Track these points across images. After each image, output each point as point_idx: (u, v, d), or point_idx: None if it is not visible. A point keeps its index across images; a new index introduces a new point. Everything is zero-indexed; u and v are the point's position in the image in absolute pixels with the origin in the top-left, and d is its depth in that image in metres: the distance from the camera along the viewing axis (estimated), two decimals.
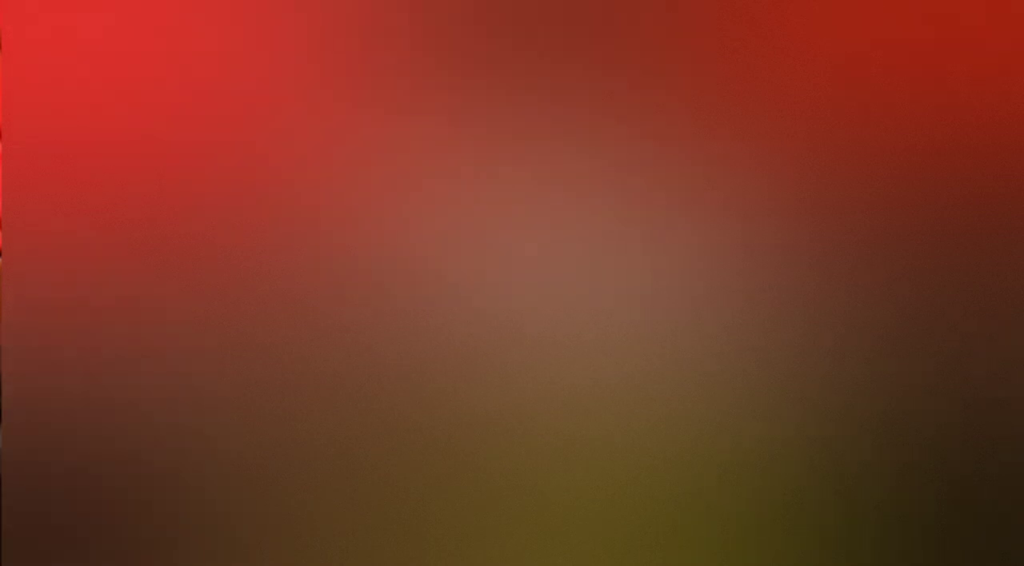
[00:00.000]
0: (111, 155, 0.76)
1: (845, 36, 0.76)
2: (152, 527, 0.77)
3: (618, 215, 0.76)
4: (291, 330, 0.77)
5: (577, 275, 0.76)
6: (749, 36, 0.76)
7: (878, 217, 0.77)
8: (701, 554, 0.77)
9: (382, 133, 0.77)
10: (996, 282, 0.77)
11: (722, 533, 0.77)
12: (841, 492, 0.77)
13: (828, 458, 0.77)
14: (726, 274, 0.76)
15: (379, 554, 0.78)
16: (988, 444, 0.77)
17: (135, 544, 0.77)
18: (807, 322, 0.77)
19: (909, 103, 0.77)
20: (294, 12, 0.76)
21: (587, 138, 0.76)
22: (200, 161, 0.76)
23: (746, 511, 0.77)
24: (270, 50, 0.76)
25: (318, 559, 0.78)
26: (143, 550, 0.77)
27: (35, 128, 0.76)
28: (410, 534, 0.77)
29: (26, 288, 0.76)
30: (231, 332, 0.76)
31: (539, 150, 0.76)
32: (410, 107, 0.77)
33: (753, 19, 0.76)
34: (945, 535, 0.77)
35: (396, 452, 0.77)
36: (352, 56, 0.77)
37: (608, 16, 0.76)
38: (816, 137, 0.77)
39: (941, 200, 0.77)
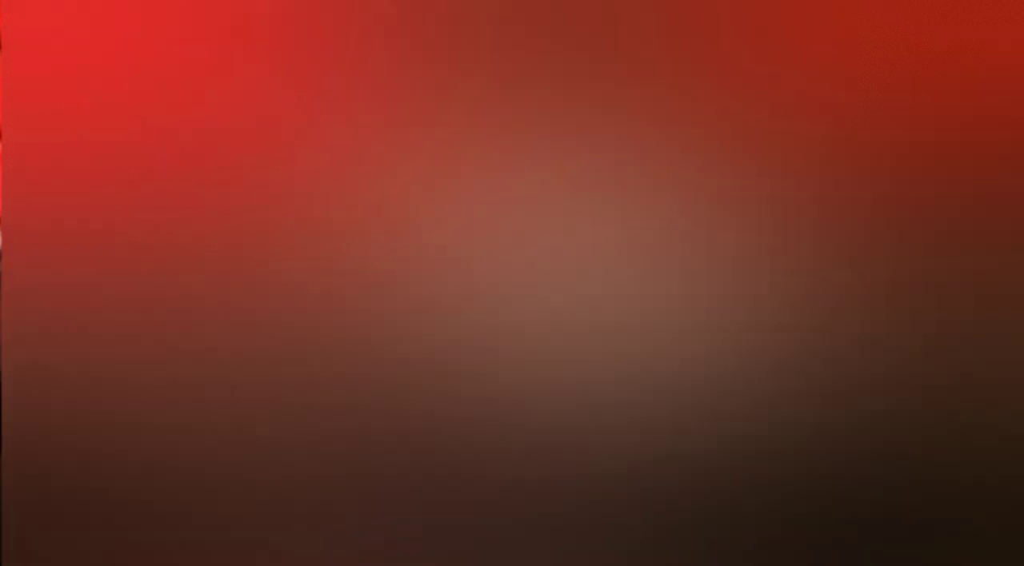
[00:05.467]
0: (111, 155, 0.76)
1: (852, 34, 0.76)
2: (153, 527, 0.77)
3: (630, 214, 0.76)
4: (297, 329, 0.77)
5: (588, 273, 0.76)
6: (759, 36, 0.76)
7: (883, 216, 0.77)
8: (705, 552, 0.77)
9: (392, 133, 0.77)
10: (1007, 281, 0.77)
11: (726, 528, 0.77)
12: (844, 491, 0.77)
13: (828, 457, 0.77)
14: (733, 272, 0.76)
15: (381, 551, 0.78)
16: (991, 443, 0.77)
17: (135, 544, 0.77)
18: (810, 320, 0.77)
19: (917, 101, 0.77)
20: (303, 13, 0.76)
21: (598, 138, 0.76)
22: (203, 160, 0.76)
23: (751, 507, 0.77)
24: (278, 49, 0.76)
25: (328, 558, 0.78)
26: (143, 550, 0.77)
27: (35, 128, 0.76)
28: (412, 531, 0.77)
29: (26, 288, 0.76)
30: (234, 331, 0.76)
31: (552, 149, 0.76)
32: (422, 106, 0.77)
33: (764, 20, 0.76)
34: (947, 534, 0.77)
35: (401, 449, 0.77)
36: (359, 57, 0.77)
37: (621, 16, 0.76)
38: (825, 136, 0.77)
39: (947, 199, 0.77)
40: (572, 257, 0.76)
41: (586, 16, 0.76)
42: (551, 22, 0.76)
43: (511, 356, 0.76)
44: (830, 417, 0.77)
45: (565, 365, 0.76)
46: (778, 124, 0.77)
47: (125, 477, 0.77)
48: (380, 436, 0.77)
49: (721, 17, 0.76)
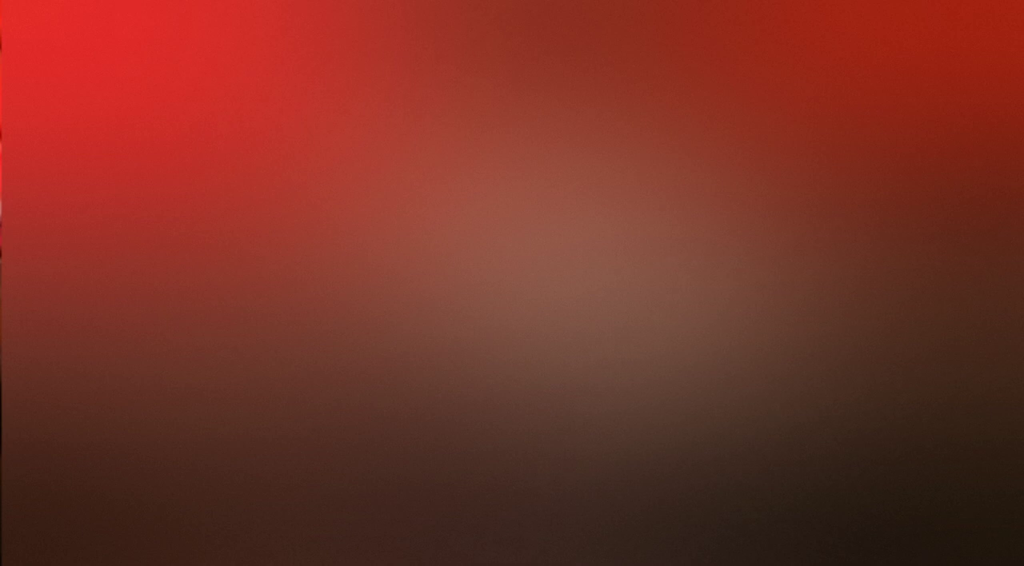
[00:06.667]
0: (112, 155, 0.77)
1: (847, 33, 0.76)
2: (154, 527, 0.77)
3: (639, 216, 0.76)
4: (297, 329, 0.77)
5: (595, 274, 0.76)
6: (763, 42, 0.76)
7: (878, 216, 0.77)
8: (699, 551, 0.77)
9: (398, 134, 0.77)
10: (1002, 282, 0.77)
11: (730, 532, 0.77)
12: (838, 494, 0.77)
13: (824, 460, 0.77)
14: (732, 274, 0.76)
15: (385, 552, 0.78)
16: (990, 444, 0.77)
17: (136, 544, 0.77)
18: (809, 322, 0.77)
19: (911, 101, 0.77)
20: (312, 12, 0.76)
21: (605, 141, 0.76)
22: (203, 160, 0.77)
23: (753, 511, 0.77)
24: (281, 48, 0.76)
25: (332, 559, 0.78)
26: (144, 550, 0.78)
27: (35, 128, 0.76)
28: (414, 532, 0.77)
29: (26, 288, 0.76)
30: (235, 331, 0.76)
31: (560, 151, 0.76)
32: (429, 109, 0.77)
33: (757, 19, 0.76)
34: (946, 535, 0.77)
35: (406, 449, 0.77)
36: (367, 59, 0.77)
37: (628, 22, 0.76)
38: (820, 137, 0.77)
39: (943, 200, 0.77)
40: (579, 259, 0.76)
41: (594, 23, 0.76)
42: (559, 29, 0.76)
43: (518, 357, 0.76)
44: (835, 419, 0.77)
45: (572, 367, 0.76)
46: (782, 128, 0.77)
47: (125, 477, 0.77)
48: (384, 436, 0.77)
49: (727, 23, 0.76)
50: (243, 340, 0.76)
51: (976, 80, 0.76)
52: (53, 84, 0.76)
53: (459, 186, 0.76)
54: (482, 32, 0.76)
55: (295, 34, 0.76)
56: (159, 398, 0.77)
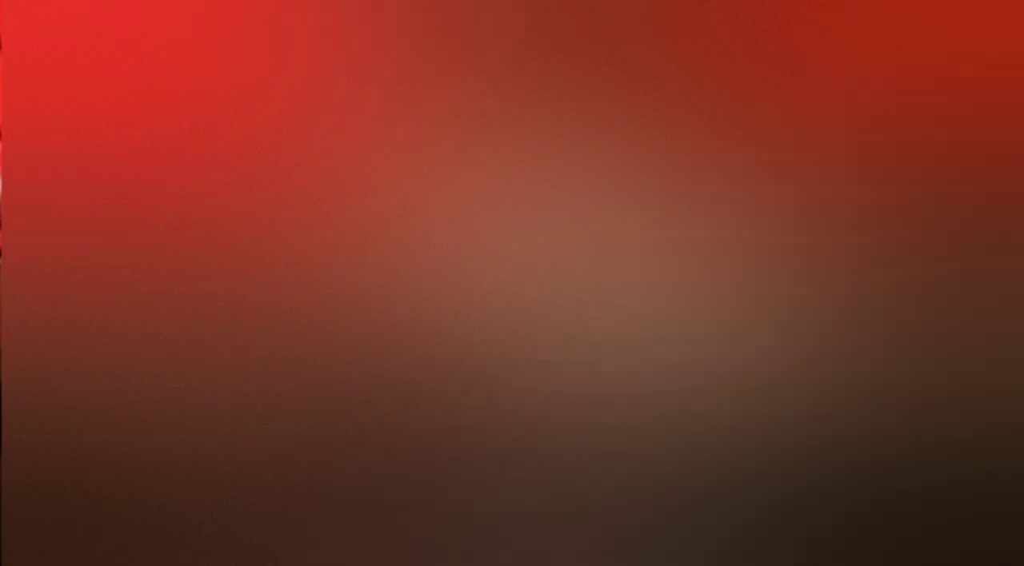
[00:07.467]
0: (112, 155, 0.76)
1: (847, 33, 0.76)
2: (154, 527, 0.77)
3: (649, 219, 0.76)
4: (298, 329, 0.77)
5: (586, 274, 0.76)
6: (755, 36, 0.76)
7: (881, 217, 0.77)
8: (701, 553, 0.77)
9: (391, 135, 0.77)
10: (1002, 288, 0.77)
11: (713, 531, 0.77)
12: (840, 495, 0.77)
13: (829, 462, 0.77)
14: (733, 275, 0.76)
15: (384, 552, 0.78)
16: (993, 446, 0.77)
17: (136, 544, 0.77)
18: (810, 325, 0.77)
19: (912, 101, 0.77)
20: (307, 11, 0.76)
21: (617, 145, 0.76)
22: (203, 160, 0.76)
23: (734, 512, 0.77)
24: (280, 49, 0.76)
25: (333, 559, 0.78)
26: (144, 550, 0.77)
27: (35, 128, 0.76)
28: (410, 531, 0.77)
29: (26, 288, 0.76)
30: (235, 331, 0.76)
31: (551, 151, 0.76)
32: (427, 108, 0.77)
33: (757, 19, 0.76)
34: (947, 535, 0.77)
35: (403, 449, 0.77)
36: (378, 63, 0.77)
37: (614, 18, 0.76)
38: (821, 136, 0.77)
39: (949, 202, 0.77)
40: (580, 259, 0.76)
41: (594, 23, 0.76)
42: (560, 28, 0.76)
43: (519, 358, 0.76)
44: (840, 421, 0.77)
45: (573, 368, 0.76)
46: (783, 127, 0.77)
47: (125, 477, 0.77)
48: (385, 436, 0.77)
49: (727, 23, 0.76)
50: (243, 340, 0.76)
51: (978, 79, 0.76)
52: (53, 84, 0.76)
53: (460, 186, 0.76)
54: (483, 32, 0.76)
55: (295, 34, 0.76)
56: (159, 398, 0.77)
